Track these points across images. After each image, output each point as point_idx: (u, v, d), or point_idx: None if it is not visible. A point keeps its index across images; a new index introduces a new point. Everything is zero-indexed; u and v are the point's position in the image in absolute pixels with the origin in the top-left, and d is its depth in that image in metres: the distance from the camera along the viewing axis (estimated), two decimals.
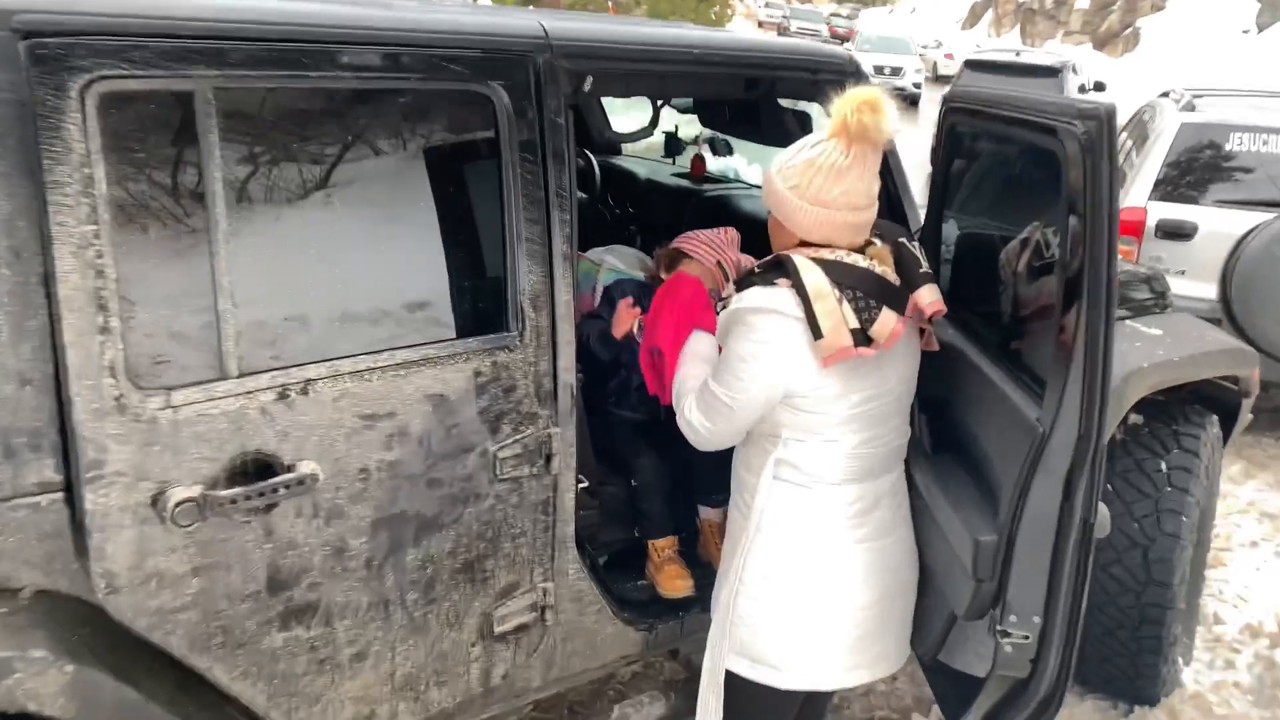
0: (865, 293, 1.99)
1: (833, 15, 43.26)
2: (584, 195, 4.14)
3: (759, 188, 4.22)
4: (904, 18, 44.73)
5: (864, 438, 2.12)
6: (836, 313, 1.95)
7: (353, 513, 2.05)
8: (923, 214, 2.79)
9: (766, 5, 46.84)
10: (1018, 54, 20.77)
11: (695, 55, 2.51)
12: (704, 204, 3.83)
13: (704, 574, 2.76)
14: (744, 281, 2.14)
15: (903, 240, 2.19)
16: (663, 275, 3.03)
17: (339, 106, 2.03)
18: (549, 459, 2.34)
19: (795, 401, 2.06)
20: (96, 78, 1.66)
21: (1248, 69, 20.17)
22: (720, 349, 2.18)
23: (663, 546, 2.84)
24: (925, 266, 2.15)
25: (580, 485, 2.50)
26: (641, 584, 2.91)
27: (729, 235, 2.97)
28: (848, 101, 1.96)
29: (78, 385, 1.71)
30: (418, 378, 2.10)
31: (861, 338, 1.97)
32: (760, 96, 2.76)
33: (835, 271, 2.00)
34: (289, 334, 1.96)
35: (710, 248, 2.94)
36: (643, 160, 4.42)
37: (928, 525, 2.30)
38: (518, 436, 2.28)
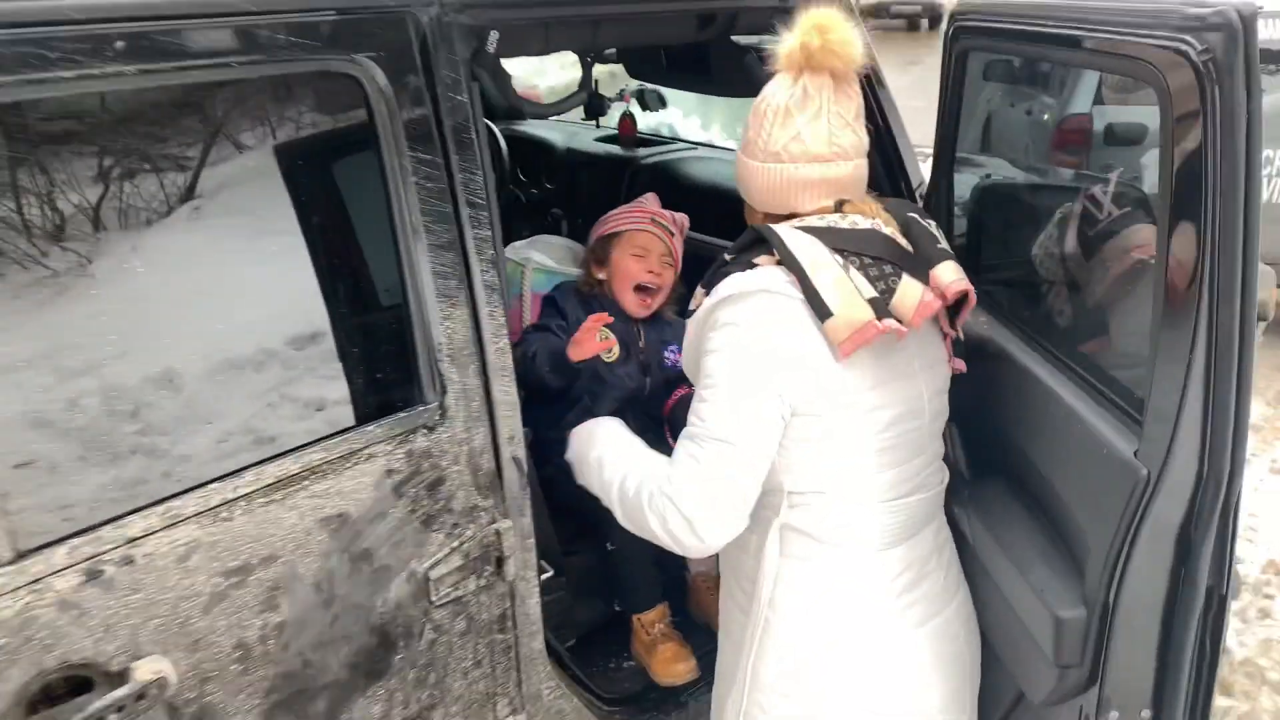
0: (875, 256, 1.52)
1: None
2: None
3: (707, 146, 3.58)
4: None
5: (900, 477, 1.59)
6: (845, 281, 1.47)
7: (233, 710, 1.41)
8: (927, 172, 2.21)
9: None
10: None
11: None
12: (642, 173, 3.17)
13: (706, 640, 2.19)
14: (714, 275, 1.59)
15: (913, 214, 1.65)
16: (599, 276, 2.41)
17: (124, 113, 1.33)
18: (500, 562, 1.73)
19: (805, 428, 1.50)
20: None
21: None
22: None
23: (651, 621, 2.26)
24: (943, 243, 1.62)
25: (544, 577, 1.89)
26: (629, 665, 2.33)
27: (651, 200, 2.47)
28: (801, 27, 1.54)
29: None
30: (302, 499, 1.45)
31: (883, 309, 1.46)
32: (713, 36, 2.12)
33: (830, 237, 1.52)
34: (89, 472, 1.29)
35: (647, 215, 2.36)
36: (557, 125, 3.73)
37: (977, 576, 1.76)
38: (455, 544, 1.65)
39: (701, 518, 1.49)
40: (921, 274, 1.54)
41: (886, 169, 2.22)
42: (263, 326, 1.48)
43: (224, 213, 1.45)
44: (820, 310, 1.45)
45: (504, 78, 1.80)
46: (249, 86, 1.42)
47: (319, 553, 1.48)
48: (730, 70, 2.29)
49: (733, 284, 1.51)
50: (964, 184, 2.06)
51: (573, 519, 2.30)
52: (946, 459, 1.74)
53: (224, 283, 1.45)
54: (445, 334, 1.58)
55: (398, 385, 1.59)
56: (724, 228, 2.32)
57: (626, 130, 3.33)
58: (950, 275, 1.56)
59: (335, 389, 1.54)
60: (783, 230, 1.53)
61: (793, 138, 1.53)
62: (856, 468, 1.55)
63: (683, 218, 2.48)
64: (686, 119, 3.66)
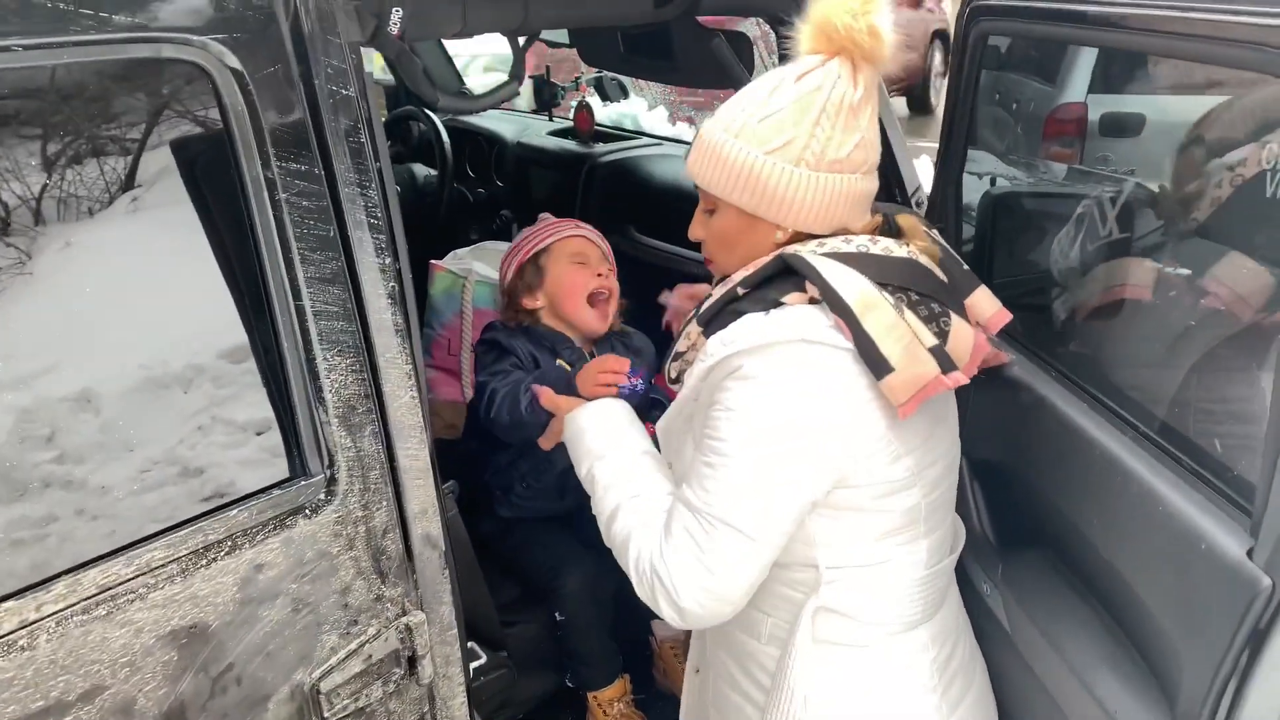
0: (922, 293, 1.27)
1: None
2: (431, 173, 3.09)
3: (674, 141, 3.23)
4: None
5: (939, 541, 1.36)
6: (901, 326, 1.21)
7: None
8: (925, 176, 1.91)
9: None
10: None
11: None
12: (600, 170, 2.83)
13: (674, 713, 1.88)
14: (721, 313, 1.29)
15: (933, 231, 1.40)
16: (534, 306, 2.04)
17: None
18: (413, 662, 1.41)
19: (848, 498, 1.25)
20: None
21: None
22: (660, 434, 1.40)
23: (610, 699, 1.95)
24: (964, 264, 1.38)
25: (476, 665, 1.58)
26: None
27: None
28: (840, 2, 1.24)
29: None
30: (138, 612, 1.12)
31: (944, 360, 1.22)
32: (672, 16, 1.80)
33: (870, 268, 1.26)
34: None
35: (569, 223, 2.06)
36: (507, 116, 3.38)
37: (1006, 661, 1.48)
38: (352, 647, 1.33)
39: (693, 608, 1.24)
40: (958, 306, 1.31)
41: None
42: (68, 379, 1.15)
43: (25, 239, 1.12)
44: (878, 365, 1.18)
45: (411, 65, 1.47)
46: (46, 76, 1.09)
47: (164, 676, 1.15)
48: (696, 57, 1.96)
49: (760, 329, 1.23)
50: (972, 188, 1.76)
51: (515, 580, 1.99)
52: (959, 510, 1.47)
53: (25, 321, 1.13)
54: (332, 388, 1.26)
55: (268, 456, 1.26)
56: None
57: (583, 124, 3.00)
58: (990, 307, 1.35)
59: (189, 462, 1.22)
60: (819, 262, 1.24)
61: (858, 144, 1.26)
62: (905, 535, 1.30)
63: (593, 229, 2.17)
64: (651, 111, 3.32)
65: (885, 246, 1.29)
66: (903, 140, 2.02)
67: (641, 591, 1.29)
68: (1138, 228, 1.52)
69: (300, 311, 1.22)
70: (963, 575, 1.51)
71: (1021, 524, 1.54)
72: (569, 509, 2.00)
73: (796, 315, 1.23)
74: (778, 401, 1.20)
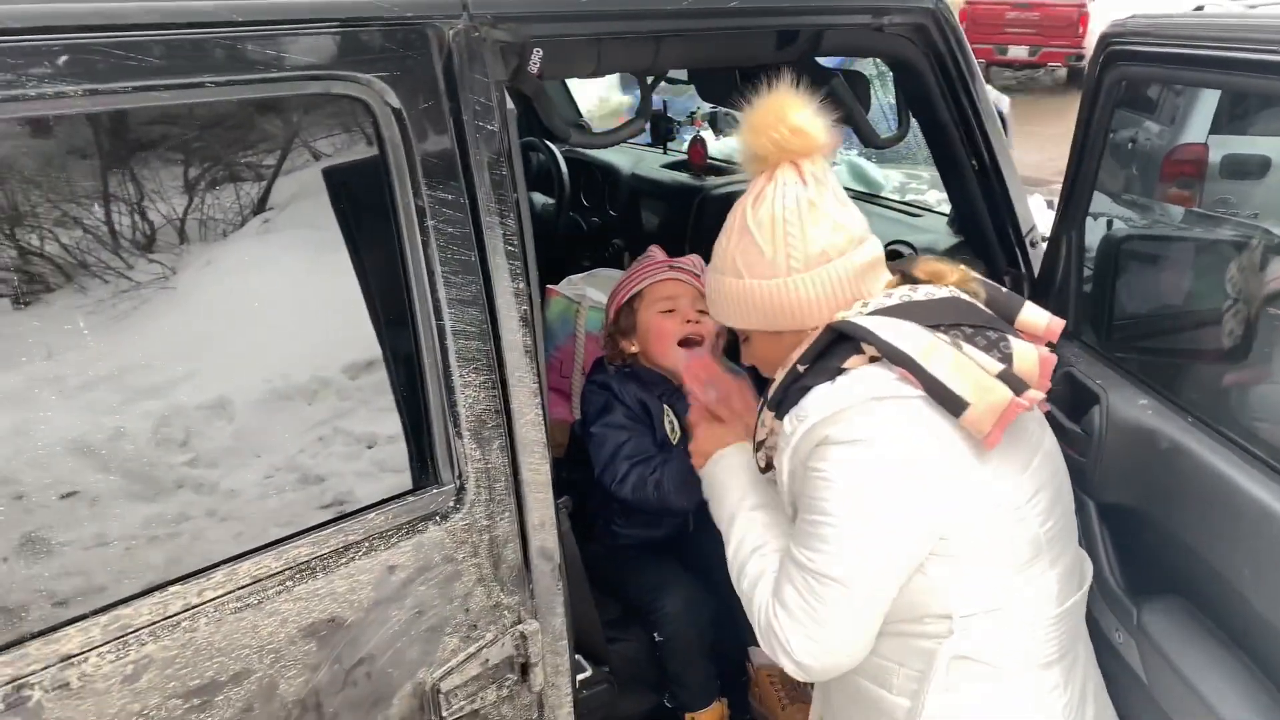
0: (975, 325, 1.32)
1: None
2: (547, 200, 3.20)
3: None
4: None
5: (1066, 571, 1.36)
6: (964, 361, 1.26)
7: None
8: (1042, 213, 1.91)
9: None
10: None
11: (704, 6, 1.60)
12: (712, 204, 2.90)
13: None
14: (787, 394, 1.35)
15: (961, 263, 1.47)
16: (631, 350, 2.08)
17: (70, 139, 1.12)
18: (525, 669, 1.47)
19: (965, 543, 1.27)
20: None
21: None
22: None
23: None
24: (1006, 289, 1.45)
25: (582, 677, 1.63)
26: None
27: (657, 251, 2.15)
28: (753, 124, 1.37)
29: None
30: (284, 603, 1.21)
31: (1015, 382, 1.26)
32: (797, 57, 1.85)
33: (917, 314, 1.32)
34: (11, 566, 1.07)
35: (662, 264, 2.07)
36: (623, 148, 3.48)
37: (1141, 713, 1.45)
38: (471, 650, 1.40)
39: (807, 661, 1.30)
40: (1011, 329, 1.37)
41: (992, 213, 1.92)
42: (240, 389, 1.25)
43: (205, 258, 1.23)
44: (952, 403, 1.22)
45: (547, 102, 1.55)
46: (231, 110, 1.20)
47: (304, 665, 1.24)
48: (813, 95, 2.01)
49: (831, 399, 1.27)
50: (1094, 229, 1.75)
51: (618, 599, 2.04)
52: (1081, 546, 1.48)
53: (206, 336, 1.23)
54: (466, 404, 1.34)
55: (406, 464, 1.35)
56: None
57: (697, 157, 3.07)
58: (1042, 317, 1.41)
59: (330, 469, 1.31)
60: (868, 320, 1.29)
61: (831, 229, 1.34)
62: (1028, 569, 1.31)
63: (696, 259, 2.20)
64: None
65: (926, 291, 1.36)
66: (1018, 182, 2.03)
67: (763, 644, 1.34)
68: (1271, 271, 1.50)
69: (441, 331, 1.31)
70: (1092, 623, 1.50)
71: (1157, 571, 1.52)
72: (669, 535, 2.05)
73: (862, 377, 1.27)
74: (867, 460, 1.23)
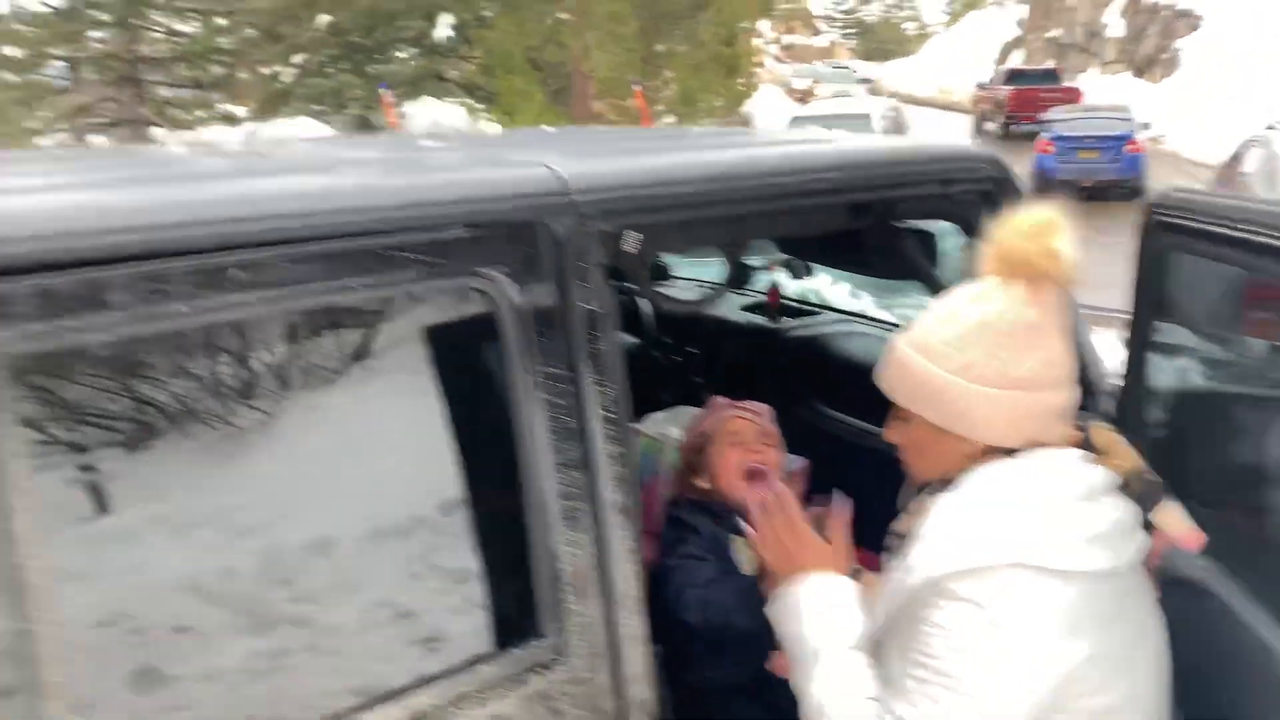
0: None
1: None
2: (630, 339, 3.36)
3: (859, 317, 3.41)
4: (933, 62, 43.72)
5: None
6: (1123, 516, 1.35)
7: None
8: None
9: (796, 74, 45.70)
10: None
11: (785, 187, 1.76)
12: (788, 345, 3.03)
13: None
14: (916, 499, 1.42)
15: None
16: (703, 485, 2.18)
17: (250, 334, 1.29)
18: None
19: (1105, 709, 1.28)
20: None
21: None
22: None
23: None
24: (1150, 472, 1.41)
25: None
26: None
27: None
28: (1016, 228, 1.36)
29: None
30: None
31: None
32: (868, 225, 1.99)
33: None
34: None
35: (726, 405, 2.17)
36: (700, 288, 3.65)
37: None
38: None
39: None
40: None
41: None
42: (367, 544, 1.39)
43: (346, 424, 1.38)
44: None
45: (643, 276, 1.71)
46: (375, 302, 1.37)
47: None
48: (885, 253, 2.14)
49: (972, 548, 1.26)
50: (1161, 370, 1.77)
51: None
52: None
53: (350, 493, 1.38)
54: (569, 560, 1.45)
55: (513, 618, 1.45)
56: (878, 412, 2.14)
57: (773, 301, 3.22)
58: (1179, 523, 1.38)
59: (441, 624, 1.42)
60: (1029, 466, 1.33)
61: (1044, 362, 1.34)
62: None
63: (763, 406, 2.29)
64: (834, 285, 3.51)
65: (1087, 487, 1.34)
66: (1088, 332, 2.10)
67: None
68: None
69: (547, 492, 1.43)
70: None
71: None
72: (753, 679, 2.10)
73: (1016, 533, 1.26)
74: (990, 630, 1.23)
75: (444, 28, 19.31)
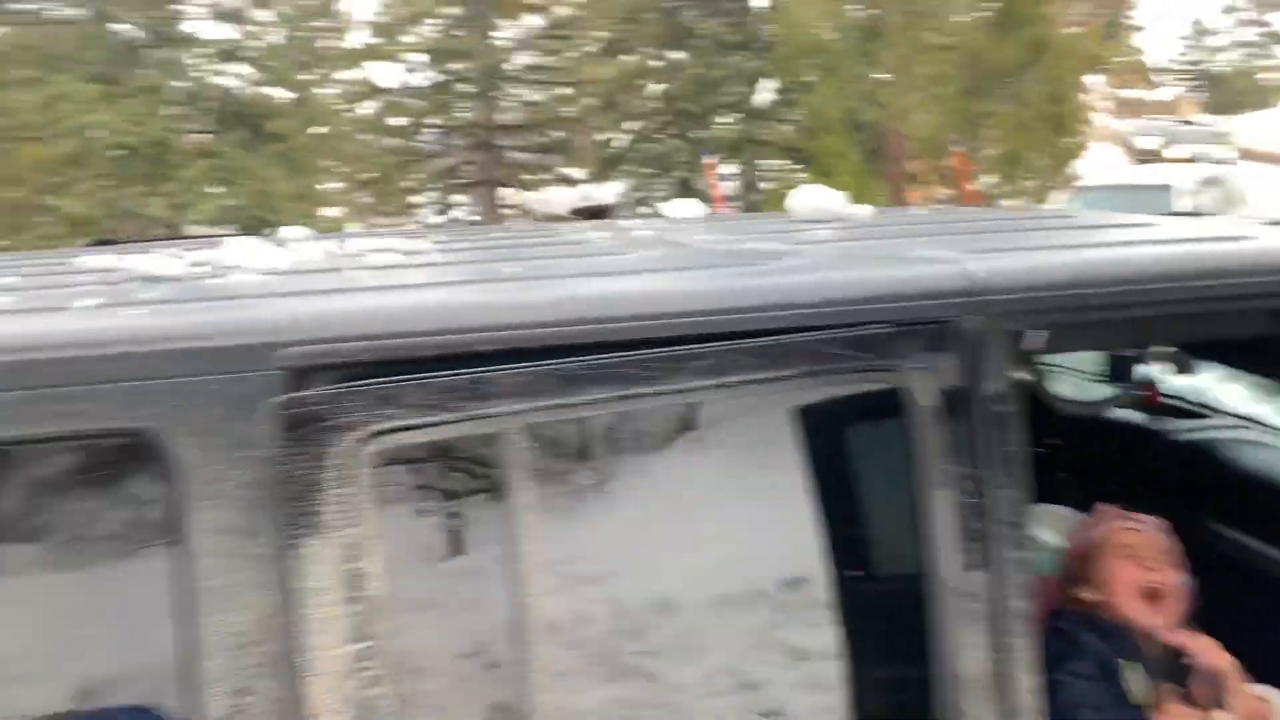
0: None
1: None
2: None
3: (1260, 424, 3.08)
4: None
5: None
6: None
7: None
8: None
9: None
10: None
11: (1207, 291, 1.66)
12: (1169, 449, 2.79)
13: None
14: None
15: None
16: (1089, 597, 2.05)
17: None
18: None
19: None
20: None
21: None
22: None
23: None
24: None
25: None
26: None
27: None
28: None
29: None
30: None
31: None
32: None
33: None
34: None
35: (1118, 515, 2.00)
36: (1070, 379, 3.47)
37: None
38: None
39: None
40: None
41: None
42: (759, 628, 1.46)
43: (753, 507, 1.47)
44: None
45: (1039, 373, 1.68)
46: (799, 391, 1.46)
47: None
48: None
49: None
50: None
51: None
52: None
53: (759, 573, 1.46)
54: (965, 664, 1.44)
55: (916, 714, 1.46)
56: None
57: (1153, 399, 2.98)
58: None
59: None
60: None
61: None
62: None
63: (1155, 519, 2.10)
64: (1225, 384, 3.18)
65: None
66: None
67: None
68: None
69: (947, 592, 1.43)
70: None
71: None
72: None
73: None
74: None
75: (765, 92, 19.87)
